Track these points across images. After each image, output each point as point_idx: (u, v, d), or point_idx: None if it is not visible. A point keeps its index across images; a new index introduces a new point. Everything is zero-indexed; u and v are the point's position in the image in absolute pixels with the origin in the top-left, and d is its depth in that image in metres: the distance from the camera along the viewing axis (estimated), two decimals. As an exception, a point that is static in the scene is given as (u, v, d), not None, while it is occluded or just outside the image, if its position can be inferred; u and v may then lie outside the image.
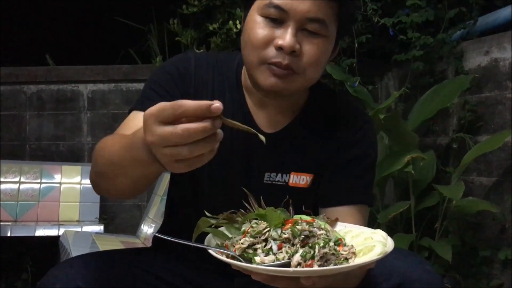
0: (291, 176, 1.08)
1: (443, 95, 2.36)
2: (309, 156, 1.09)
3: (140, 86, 3.23)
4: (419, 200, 2.34)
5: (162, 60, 3.12)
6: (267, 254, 0.79)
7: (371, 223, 2.12)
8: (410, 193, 2.32)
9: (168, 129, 0.70)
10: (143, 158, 0.78)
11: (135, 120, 1.00)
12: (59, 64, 3.43)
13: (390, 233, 2.29)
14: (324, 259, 0.78)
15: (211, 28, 2.96)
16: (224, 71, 1.09)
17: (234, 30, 2.83)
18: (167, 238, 0.85)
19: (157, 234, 0.88)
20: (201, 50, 2.95)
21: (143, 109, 0.97)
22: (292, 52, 0.95)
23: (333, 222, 0.91)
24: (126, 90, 3.26)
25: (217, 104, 0.69)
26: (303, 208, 0.90)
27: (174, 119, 0.70)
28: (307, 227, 0.81)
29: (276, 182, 1.07)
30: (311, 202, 1.08)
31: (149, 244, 2.35)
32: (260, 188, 0.92)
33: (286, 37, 0.95)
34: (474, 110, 2.40)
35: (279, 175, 1.08)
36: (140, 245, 2.47)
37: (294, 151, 1.08)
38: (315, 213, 0.95)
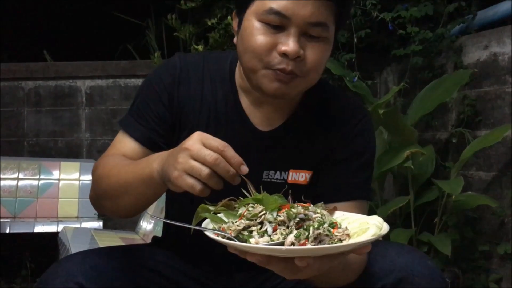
0: (290, 173, 1.07)
1: (442, 90, 2.36)
2: (307, 153, 1.08)
3: (138, 82, 3.22)
4: (419, 195, 2.34)
5: (160, 55, 3.11)
6: (262, 236, 0.80)
7: (371, 218, 2.11)
8: (409, 188, 2.32)
9: (208, 151, 0.83)
10: (154, 180, 0.90)
11: (124, 146, 1.07)
12: (57, 60, 3.42)
13: (390, 228, 2.29)
14: (318, 240, 0.78)
15: (209, 23, 2.95)
16: (216, 71, 1.09)
17: (233, 25, 2.82)
18: (164, 220, 0.94)
19: (153, 216, 0.92)
20: (199, 47, 2.94)
21: (130, 133, 1.07)
22: (296, 58, 0.95)
23: (331, 211, 0.91)
24: (124, 86, 3.25)
25: (245, 169, 0.84)
26: (302, 198, 0.90)
27: (214, 151, 0.83)
28: (302, 210, 0.82)
29: (275, 180, 1.07)
30: (311, 198, 1.08)
31: (148, 240, 2.35)
32: (259, 186, 0.92)
33: (289, 43, 0.94)
34: (473, 104, 2.40)
35: (278, 172, 1.07)
36: (139, 241, 2.46)
37: (292, 148, 1.08)
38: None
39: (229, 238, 0.80)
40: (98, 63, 3.28)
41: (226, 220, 0.86)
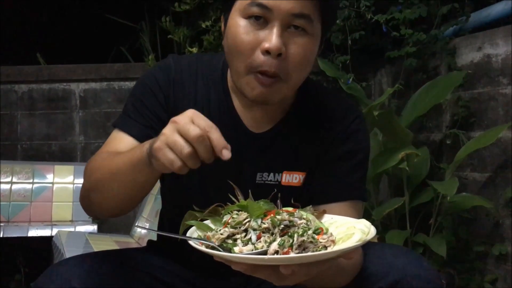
0: (284, 175, 1.07)
1: (436, 92, 2.36)
2: (300, 154, 1.08)
3: (132, 84, 3.18)
4: (414, 196, 2.35)
5: (154, 58, 3.11)
6: (246, 244, 0.79)
7: (366, 220, 2.11)
8: (404, 189, 2.32)
9: (194, 126, 0.80)
10: (144, 161, 0.87)
11: (120, 143, 1.04)
12: (50, 63, 3.41)
13: (385, 229, 2.31)
14: (302, 247, 0.78)
15: (203, 25, 2.95)
16: (208, 73, 1.09)
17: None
18: (148, 230, 0.89)
19: (138, 226, 0.91)
20: (193, 49, 2.94)
21: (126, 130, 1.05)
22: (279, 56, 0.94)
23: (320, 214, 0.91)
24: (118, 89, 3.24)
25: (227, 154, 0.81)
26: (292, 202, 0.89)
27: (200, 129, 0.81)
28: (287, 216, 0.81)
29: (269, 182, 1.07)
30: (305, 200, 1.08)
31: (143, 243, 2.34)
32: (253, 188, 0.91)
33: (272, 38, 0.93)
34: (467, 106, 2.41)
35: (271, 174, 1.07)
36: (134, 245, 2.45)
37: (285, 150, 1.08)
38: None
39: (213, 247, 0.80)
40: (91, 66, 3.27)
41: (213, 227, 0.85)
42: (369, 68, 3.01)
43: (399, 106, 2.63)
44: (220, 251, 0.78)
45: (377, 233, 0.83)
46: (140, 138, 1.03)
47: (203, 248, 0.79)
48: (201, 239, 0.83)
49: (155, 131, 1.04)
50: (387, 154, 2.26)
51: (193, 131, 0.79)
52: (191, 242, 0.81)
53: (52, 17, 4.26)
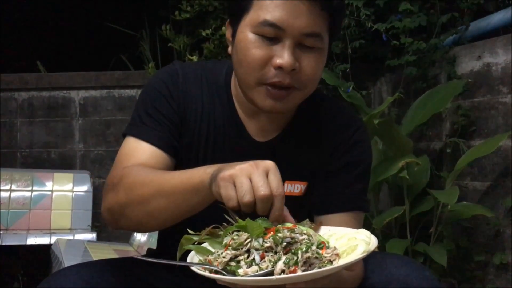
0: (285, 184, 1.06)
1: (436, 100, 2.37)
2: (302, 164, 1.08)
3: (132, 92, 3.21)
4: (414, 205, 2.34)
5: (154, 66, 3.11)
6: (250, 265, 0.78)
7: (366, 229, 2.10)
8: (404, 198, 2.31)
9: (266, 185, 0.81)
10: (203, 185, 0.86)
11: (143, 153, 1.01)
12: (51, 71, 3.41)
13: (385, 238, 2.30)
14: (308, 264, 0.77)
15: (204, 34, 2.95)
16: (213, 81, 1.09)
17: (227, 36, 2.82)
18: (148, 259, 0.88)
19: (136, 257, 0.90)
20: (193, 57, 2.94)
21: (146, 139, 1.02)
22: (292, 70, 0.95)
23: (316, 227, 0.90)
24: (118, 97, 3.24)
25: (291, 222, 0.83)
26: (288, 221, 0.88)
27: (270, 185, 0.81)
28: (288, 233, 0.81)
29: None
30: (306, 210, 1.07)
31: (142, 251, 2.33)
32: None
33: (284, 56, 0.94)
34: (467, 114, 2.41)
35: None
36: (133, 253, 2.44)
37: (287, 159, 1.07)
38: (305, 219, 0.94)
39: (216, 271, 0.78)
40: (91, 73, 3.27)
41: (212, 250, 0.84)
42: (369, 77, 3.02)
43: (399, 114, 2.63)
44: (224, 275, 0.77)
45: (377, 242, 0.83)
46: (162, 146, 1.01)
47: (207, 274, 0.77)
48: (203, 263, 0.81)
49: (174, 137, 1.04)
50: (387, 163, 2.26)
51: (263, 190, 0.79)
52: (193, 268, 0.79)
53: (52, 25, 4.27)
